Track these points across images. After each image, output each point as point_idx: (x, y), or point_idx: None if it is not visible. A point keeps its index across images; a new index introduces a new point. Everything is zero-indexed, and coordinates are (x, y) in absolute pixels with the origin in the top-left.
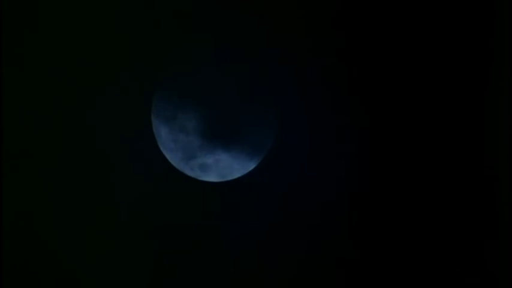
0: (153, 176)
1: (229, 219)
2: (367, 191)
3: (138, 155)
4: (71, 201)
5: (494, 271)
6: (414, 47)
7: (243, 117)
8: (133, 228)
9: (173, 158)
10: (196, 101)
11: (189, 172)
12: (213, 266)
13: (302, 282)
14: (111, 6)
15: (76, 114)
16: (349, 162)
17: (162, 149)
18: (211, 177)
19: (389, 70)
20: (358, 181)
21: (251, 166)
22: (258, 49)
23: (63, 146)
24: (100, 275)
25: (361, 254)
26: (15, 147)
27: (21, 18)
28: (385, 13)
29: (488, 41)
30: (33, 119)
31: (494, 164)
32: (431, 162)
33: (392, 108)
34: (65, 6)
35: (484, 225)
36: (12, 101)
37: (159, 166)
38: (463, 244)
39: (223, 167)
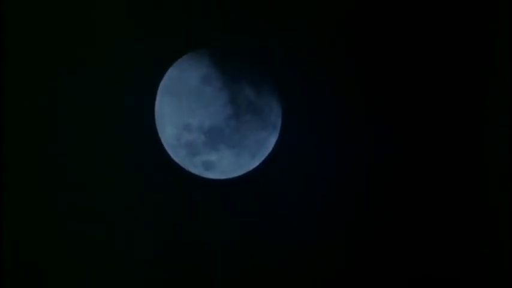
0: (156, 173)
1: (232, 217)
2: (369, 191)
3: (142, 151)
4: (72, 199)
5: (494, 271)
6: (415, 47)
7: (247, 115)
8: (135, 225)
9: (176, 155)
10: (200, 98)
11: (192, 169)
12: (214, 264)
13: (303, 283)
14: (111, 5)
15: (78, 112)
16: (351, 162)
17: (165, 145)
18: (215, 175)
19: (392, 69)
20: (360, 181)
21: (255, 164)
22: (261, 47)
23: (64, 143)
24: (101, 273)
25: (362, 254)
26: (15, 147)
27: (20, 12)
28: (387, 13)
29: (489, 41)
30: (33, 116)
31: (494, 163)
32: (431, 163)
33: (394, 107)
34: (65, 5)
35: (484, 225)
36: (11, 101)
37: (163, 163)
38: (463, 244)
39: (227, 164)
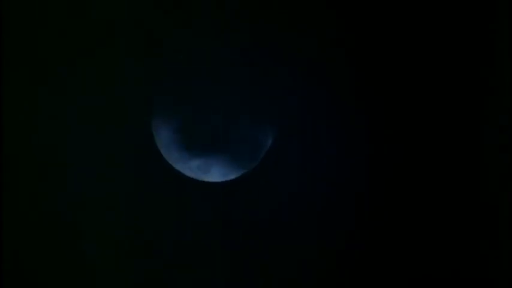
0: (152, 177)
1: (229, 220)
2: (368, 191)
3: (137, 155)
4: (68, 203)
5: (494, 271)
6: (416, 47)
7: (243, 117)
8: (132, 229)
9: (172, 159)
10: (196, 101)
11: (188, 173)
12: (213, 266)
13: (302, 283)
14: (111, 5)
15: (73, 114)
16: (349, 162)
17: (161, 149)
18: (211, 178)
19: (390, 70)
20: (358, 181)
21: (251, 166)
22: (258, 48)
23: (61, 146)
24: (99, 276)
25: (362, 254)
26: (14, 149)
27: (18, 15)
28: (386, 13)
29: (489, 41)
30: (31, 118)
31: (494, 163)
32: (431, 163)
33: (393, 108)
34: (65, 5)
35: (484, 225)
36: (10, 102)
37: (158, 167)
38: (463, 244)
39: (223, 167)
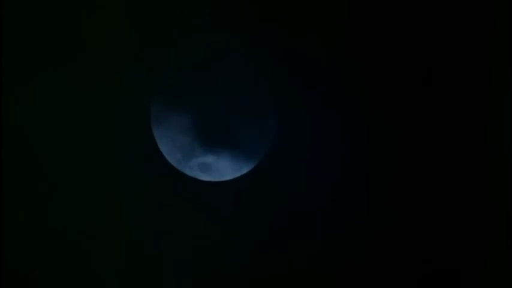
0: (152, 176)
1: (229, 219)
2: (368, 191)
3: (137, 154)
4: (69, 202)
5: (495, 271)
6: (415, 47)
7: (243, 116)
8: (132, 228)
9: (172, 158)
10: (195, 100)
11: (188, 172)
12: (213, 266)
13: (302, 283)
14: (109, 6)
15: (73, 114)
16: (349, 162)
17: (161, 148)
18: (211, 177)
19: (390, 69)
20: (359, 181)
21: (251, 165)
22: (259, 47)
23: (61, 146)
24: (99, 275)
25: (363, 254)
26: (12, 151)
27: (18, 17)
28: (385, 12)
29: (489, 41)
30: (30, 118)
31: (496, 164)
32: (431, 160)
33: (393, 107)
34: (64, 7)
35: (486, 225)
36: (8, 102)
37: (158, 166)
38: (464, 244)
39: (223, 166)
